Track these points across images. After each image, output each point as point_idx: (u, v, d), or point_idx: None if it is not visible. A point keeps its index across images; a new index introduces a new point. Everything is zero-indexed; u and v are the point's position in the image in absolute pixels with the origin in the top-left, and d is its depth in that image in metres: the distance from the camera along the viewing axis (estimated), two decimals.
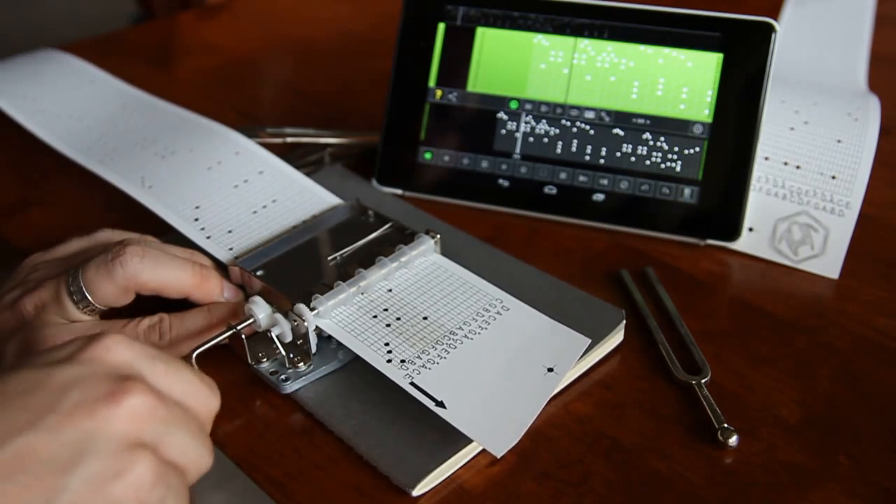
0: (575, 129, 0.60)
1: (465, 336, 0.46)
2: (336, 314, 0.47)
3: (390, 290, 0.48)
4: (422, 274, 0.50)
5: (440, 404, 0.42)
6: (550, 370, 0.44)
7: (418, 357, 0.44)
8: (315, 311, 0.46)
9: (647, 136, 0.59)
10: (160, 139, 0.61)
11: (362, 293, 0.48)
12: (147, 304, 0.47)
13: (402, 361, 0.44)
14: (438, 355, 0.45)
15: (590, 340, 0.46)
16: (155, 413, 0.33)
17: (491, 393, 0.43)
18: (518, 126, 0.61)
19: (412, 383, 0.43)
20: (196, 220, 0.54)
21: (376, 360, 0.44)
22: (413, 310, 0.47)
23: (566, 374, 0.44)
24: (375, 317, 0.47)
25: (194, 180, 0.57)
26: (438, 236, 0.51)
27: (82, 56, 0.80)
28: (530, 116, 0.61)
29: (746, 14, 0.57)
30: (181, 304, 0.48)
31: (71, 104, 0.66)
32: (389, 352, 0.45)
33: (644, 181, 0.59)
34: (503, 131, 0.61)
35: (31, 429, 0.30)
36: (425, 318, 0.47)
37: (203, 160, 0.58)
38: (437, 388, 0.43)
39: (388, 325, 0.46)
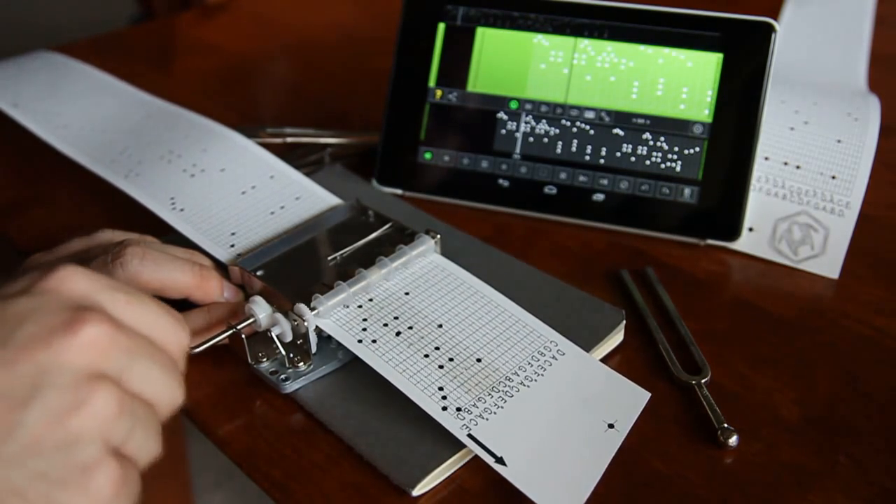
0: (575, 129, 0.60)
1: (522, 383, 0.44)
2: (372, 335, 0.45)
3: (440, 326, 0.46)
4: (472, 308, 0.47)
5: (500, 461, 0.40)
6: (611, 426, 0.42)
7: (474, 405, 0.42)
8: (315, 311, 0.46)
9: (647, 136, 0.59)
10: (186, 153, 0.60)
11: (410, 327, 0.46)
12: None
13: (458, 410, 0.42)
14: (495, 404, 0.42)
15: (649, 395, 0.44)
16: (116, 343, 0.32)
17: (550, 449, 0.41)
18: (518, 126, 0.61)
19: (470, 435, 0.41)
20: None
21: (431, 406, 0.42)
22: (465, 350, 0.45)
23: (627, 431, 0.42)
24: (427, 356, 0.44)
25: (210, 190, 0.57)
26: (438, 236, 0.51)
27: (82, 56, 0.80)
28: (530, 116, 0.61)
29: (746, 14, 0.57)
30: (181, 305, 0.48)
31: (94, 117, 0.65)
32: (444, 398, 0.42)
33: (644, 181, 0.59)
34: (503, 131, 0.61)
35: None
36: (479, 361, 0.44)
37: (216, 164, 0.58)
38: (495, 442, 0.40)
39: (441, 367, 0.44)
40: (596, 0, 0.60)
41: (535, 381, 0.44)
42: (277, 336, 0.46)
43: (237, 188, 0.55)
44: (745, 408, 0.45)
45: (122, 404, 0.31)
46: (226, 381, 0.47)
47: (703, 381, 0.46)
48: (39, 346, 0.30)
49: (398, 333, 0.46)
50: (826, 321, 0.51)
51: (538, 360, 0.45)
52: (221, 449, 0.43)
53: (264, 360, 0.47)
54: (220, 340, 0.45)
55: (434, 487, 0.41)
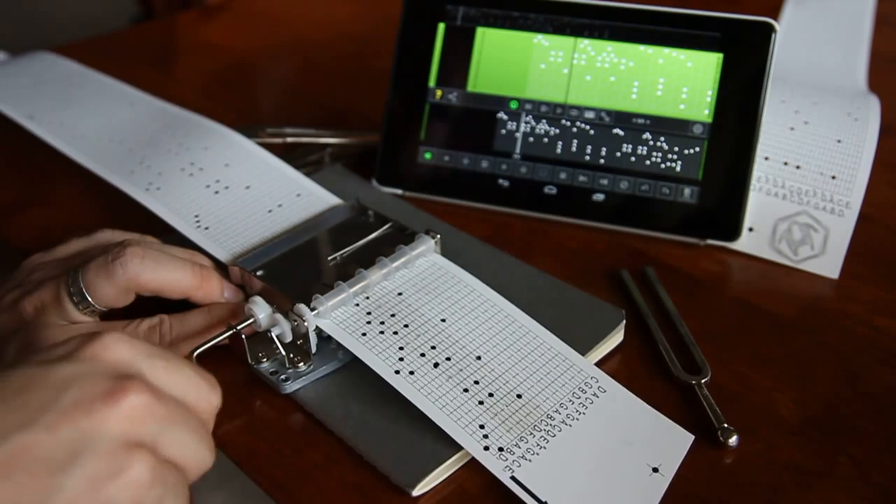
0: (575, 129, 0.60)
1: (563, 422, 0.42)
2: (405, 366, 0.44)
3: (479, 358, 0.45)
4: (510, 339, 0.46)
5: None
6: (655, 470, 0.41)
7: (517, 445, 0.41)
8: (315, 311, 0.46)
9: (647, 136, 0.59)
10: (208, 167, 0.59)
11: (448, 359, 0.44)
12: (147, 305, 0.47)
13: (501, 450, 0.40)
14: (537, 444, 0.41)
15: (693, 437, 0.42)
16: (153, 412, 0.32)
17: (594, 493, 0.39)
18: (518, 126, 0.61)
19: (513, 478, 0.39)
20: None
21: (472, 445, 0.41)
22: (506, 385, 0.44)
23: (672, 476, 0.41)
24: (466, 390, 0.43)
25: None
26: (438, 236, 0.51)
27: (82, 56, 0.80)
28: (530, 116, 0.61)
29: (746, 14, 0.57)
30: (181, 305, 0.48)
31: (110, 127, 0.64)
32: (486, 437, 0.41)
33: (644, 181, 0.59)
34: (503, 131, 0.61)
35: (28, 427, 0.30)
36: (519, 397, 0.43)
37: (241, 181, 0.57)
38: (540, 485, 0.39)
39: (481, 403, 0.43)
40: (596, 0, 0.60)
41: (578, 419, 0.42)
42: (277, 336, 0.46)
43: (263, 207, 0.55)
44: (745, 408, 0.45)
45: (155, 473, 0.32)
46: (226, 381, 0.46)
47: (703, 381, 0.46)
48: (82, 413, 0.31)
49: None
50: (826, 321, 0.51)
51: (579, 397, 0.43)
52: (221, 449, 0.43)
53: (264, 360, 0.47)
54: (221, 341, 0.45)
55: (434, 487, 0.41)
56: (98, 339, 0.33)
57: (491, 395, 0.43)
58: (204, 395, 0.36)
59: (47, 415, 0.31)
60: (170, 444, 0.33)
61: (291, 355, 0.46)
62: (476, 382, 0.44)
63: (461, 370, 0.44)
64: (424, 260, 0.51)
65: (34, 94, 0.71)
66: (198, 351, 0.43)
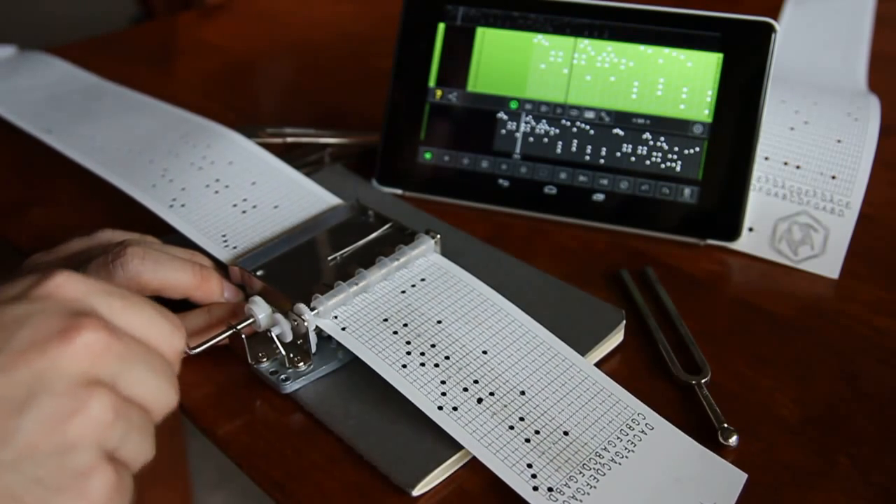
0: (575, 129, 0.60)
1: (612, 460, 0.41)
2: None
3: (524, 392, 0.44)
4: (553, 374, 0.45)
5: None
6: None
7: (566, 485, 0.39)
8: (315, 311, 0.46)
9: (647, 136, 0.59)
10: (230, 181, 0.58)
11: (475, 382, 0.43)
12: None
13: (550, 490, 0.39)
14: (588, 483, 0.40)
15: (746, 476, 0.41)
16: (111, 349, 0.32)
17: None
18: (518, 126, 0.61)
19: None
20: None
21: (521, 486, 0.39)
22: (552, 422, 0.42)
23: None
24: (512, 428, 0.42)
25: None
26: (438, 236, 0.51)
27: (82, 56, 0.80)
28: (530, 116, 0.61)
29: (746, 14, 0.57)
30: (181, 305, 0.48)
31: (129, 138, 0.63)
32: (534, 476, 0.40)
33: (644, 181, 0.59)
34: (503, 131, 0.61)
35: None
36: (566, 434, 0.42)
37: (268, 200, 0.56)
38: None
39: (528, 441, 0.41)
40: (596, 0, 0.60)
41: (627, 457, 0.41)
42: (277, 336, 0.46)
43: (286, 223, 0.54)
44: (745, 408, 0.45)
45: (116, 410, 0.31)
46: (226, 381, 0.47)
47: (703, 381, 0.46)
48: (36, 353, 0.30)
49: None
50: (826, 321, 0.51)
51: (627, 434, 0.42)
52: (221, 449, 0.43)
53: (264, 360, 0.47)
54: (221, 341, 0.45)
55: (434, 487, 0.41)
56: (51, 276, 0.33)
57: (537, 432, 0.42)
58: (166, 334, 0.35)
59: (0, 356, 0.30)
60: (130, 383, 0.32)
61: (291, 355, 0.46)
62: (522, 419, 0.42)
63: (503, 405, 0.42)
64: (424, 260, 0.51)
65: (50, 108, 0.70)
66: (197, 350, 0.43)
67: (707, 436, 0.43)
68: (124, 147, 0.61)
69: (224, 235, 0.53)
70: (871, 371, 0.48)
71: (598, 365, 0.47)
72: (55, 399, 0.30)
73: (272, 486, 0.41)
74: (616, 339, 0.49)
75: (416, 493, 0.40)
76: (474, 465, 0.42)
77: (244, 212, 0.55)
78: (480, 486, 0.41)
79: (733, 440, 0.43)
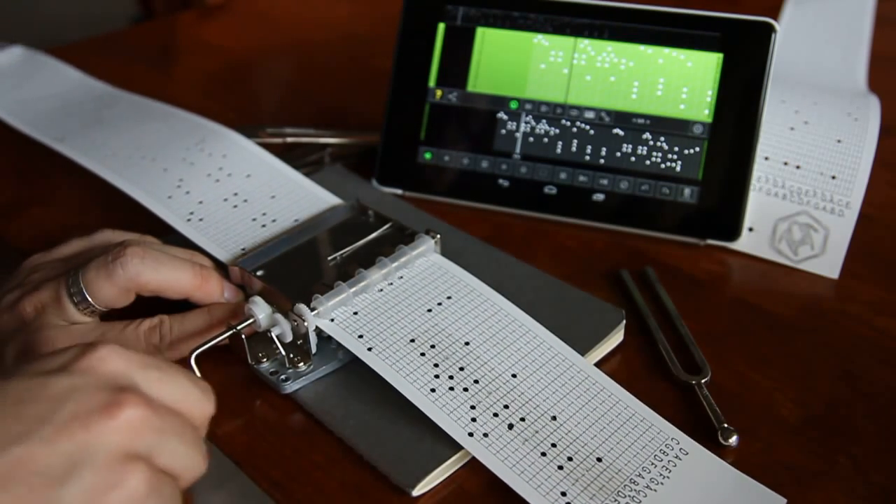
0: (575, 129, 0.60)
1: (648, 486, 0.40)
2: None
3: (555, 417, 0.43)
4: (584, 399, 0.44)
5: None
6: None
7: None
8: (315, 311, 0.46)
9: (647, 136, 0.59)
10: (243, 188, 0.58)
11: (505, 407, 0.42)
12: (147, 305, 0.47)
13: None
14: None
15: (785, 500, 0.40)
16: (149, 424, 0.33)
17: None
18: (518, 126, 0.61)
19: None
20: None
21: None
22: (585, 447, 0.41)
23: None
24: (544, 455, 0.41)
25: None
26: (438, 236, 0.51)
27: (82, 56, 0.80)
28: (530, 116, 0.61)
29: (746, 14, 0.57)
30: (181, 305, 0.48)
31: (142, 144, 0.62)
32: (563, 493, 0.39)
33: (644, 181, 0.59)
34: (503, 131, 0.61)
35: (26, 439, 0.30)
36: (600, 460, 0.41)
37: (289, 215, 0.56)
38: None
39: (561, 468, 0.40)
40: (596, 0, 0.60)
41: (662, 483, 0.40)
42: (277, 336, 0.46)
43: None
44: (745, 408, 0.45)
45: (151, 484, 0.32)
46: (226, 381, 0.47)
47: (703, 381, 0.46)
48: (79, 426, 0.31)
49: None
50: (826, 321, 0.51)
51: (661, 459, 0.41)
52: (221, 449, 0.43)
53: (264, 360, 0.47)
54: (221, 341, 0.45)
55: (434, 487, 0.41)
56: (94, 350, 0.34)
57: (570, 459, 0.41)
58: (197, 402, 0.36)
59: (45, 427, 0.31)
60: (165, 455, 0.33)
61: (291, 355, 0.46)
62: (553, 446, 0.41)
63: (536, 432, 0.42)
64: (424, 260, 0.51)
65: (62, 116, 0.70)
66: (198, 351, 0.43)
67: (707, 436, 0.43)
68: (137, 154, 0.61)
69: (244, 249, 0.52)
70: (871, 371, 0.48)
71: (598, 365, 0.47)
72: (96, 472, 0.31)
73: (272, 486, 0.41)
74: (616, 339, 0.49)
75: (416, 493, 0.40)
76: (474, 465, 0.42)
77: (264, 226, 0.54)
78: (480, 486, 0.41)
79: (733, 440, 0.43)
